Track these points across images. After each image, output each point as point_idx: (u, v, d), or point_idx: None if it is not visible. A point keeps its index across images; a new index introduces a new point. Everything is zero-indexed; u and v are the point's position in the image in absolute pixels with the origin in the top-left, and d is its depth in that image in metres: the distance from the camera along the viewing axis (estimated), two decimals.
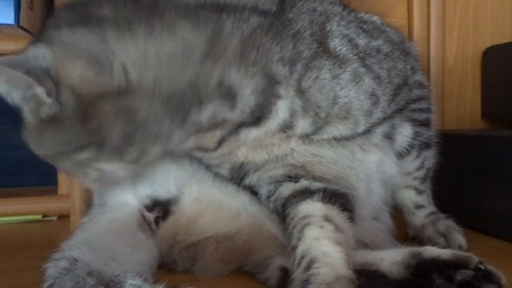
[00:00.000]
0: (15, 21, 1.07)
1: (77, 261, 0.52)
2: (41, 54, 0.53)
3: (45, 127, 0.56)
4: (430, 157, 0.85)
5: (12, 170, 1.44)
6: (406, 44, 0.80)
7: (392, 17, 1.23)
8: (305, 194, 0.67)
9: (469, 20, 1.32)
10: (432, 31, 1.28)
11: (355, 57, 0.66)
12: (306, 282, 0.54)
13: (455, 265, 0.60)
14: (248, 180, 0.72)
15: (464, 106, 1.32)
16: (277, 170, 0.70)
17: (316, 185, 0.68)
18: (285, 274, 0.63)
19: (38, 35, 0.59)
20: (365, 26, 0.72)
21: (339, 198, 0.66)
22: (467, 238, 0.82)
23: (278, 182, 0.70)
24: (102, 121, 0.55)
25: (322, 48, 0.65)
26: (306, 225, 0.61)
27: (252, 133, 0.65)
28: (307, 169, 0.69)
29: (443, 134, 0.88)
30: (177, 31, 0.57)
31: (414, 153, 0.82)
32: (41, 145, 0.57)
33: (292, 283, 0.55)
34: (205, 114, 0.61)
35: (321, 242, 0.58)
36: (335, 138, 0.69)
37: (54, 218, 1.21)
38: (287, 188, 0.69)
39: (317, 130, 0.67)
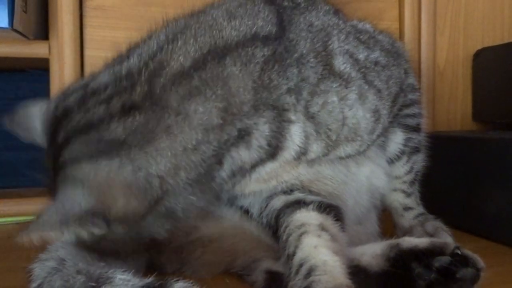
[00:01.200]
0: (9, 24, 1.07)
1: (64, 260, 0.53)
2: (82, 199, 0.53)
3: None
4: (419, 161, 0.86)
5: (8, 171, 1.44)
6: (396, 45, 0.80)
7: (383, 20, 1.24)
8: (299, 204, 0.67)
9: (460, 22, 1.32)
10: (423, 34, 1.29)
11: (358, 74, 0.66)
12: (309, 286, 0.54)
13: (432, 252, 0.61)
14: (241, 202, 0.72)
15: (455, 108, 1.33)
16: (274, 189, 0.70)
17: (311, 197, 0.69)
18: (272, 277, 0.64)
19: (57, 165, 0.57)
20: (361, 37, 0.72)
21: (332, 210, 0.67)
22: (456, 238, 0.83)
23: (269, 197, 0.70)
24: (150, 229, 0.57)
25: (328, 70, 0.64)
26: (303, 233, 0.61)
27: (267, 168, 0.65)
28: (304, 185, 0.70)
29: (434, 136, 0.89)
30: (191, 116, 0.56)
31: (404, 158, 0.83)
32: None
33: None
34: (225, 169, 0.61)
35: (320, 250, 0.58)
36: (339, 157, 0.69)
37: None
38: (279, 201, 0.69)
39: (328, 152, 0.67)
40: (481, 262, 0.60)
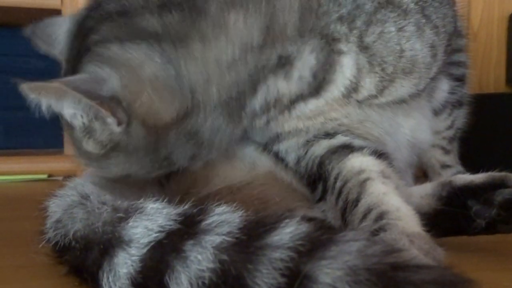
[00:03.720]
0: None
1: (86, 194, 0.48)
2: (108, 78, 0.49)
3: (109, 153, 0.53)
4: (461, 116, 0.81)
5: (18, 132, 1.41)
6: None
7: None
8: (347, 149, 0.61)
9: None
10: None
11: (416, 6, 0.61)
12: (379, 230, 0.49)
13: (491, 186, 0.56)
14: (277, 148, 0.67)
15: (488, 71, 1.27)
16: (315, 130, 0.65)
17: (359, 142, 0.63)
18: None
19: (82, 48, 0.53)
20: None
21: (386, 157, 0.62)
22: None
23: (308, 143, 0.66)
24: (172, 148, 0.53)
25: None
26: (367, 179, 0.56)
27: (309, 105, 0.60)
28: (350, 129, 0.64)
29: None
30: (230, 28, 0.52)
31: (447, 111, 0.78)
32: (104, 169, 0.55)
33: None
34: (258, 99, 0.57)
35: (390, 197, 0.53)
36: (392, 102, 0.64)
37: (60, 178, 1.19)
38: (321, 146, 0.63)
39: (381, 90, 0.62)
40: None
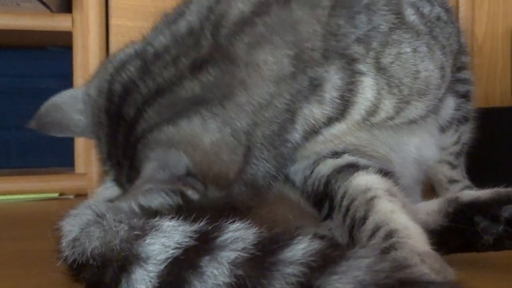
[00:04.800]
0: None
1: (105, 215, 0.49)
2: (178, 159, 0.50)
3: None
4: (467, 132, 0.82)
5: (29, 151, 1.43)
6: (447, 2, 0.77)
7: None
8: (352, 168, 0.62)
9: None
10: (461, 6, 1.24)
11: (425, 28, 0.63)
12: (390, 248, 0.49)
13: (498, 202, 0.56)
14: (288, 169, 0.67)
15: (493, 85, 1.28)
16: (326, 152, 0.65)
17: (364, 161, 0.64)
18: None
19: (132, 137, 0.54)
20: None
21: (391, 176, 0.62)
22: None
23: (314, 162, 0.66)
24: (233, 197, 0.55)
25: (400, 19, 0.60)
26: (373, 197, 0.56)
27: (333, 129, 0.61)
28: (358, 149, 0.65)
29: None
30: (261, 66, 0.53)
31: (453, 127, 0.79)
32: None
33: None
34: (298, 129, 0.58)
35: (398, 215, 0.53)
36: (404, 123, 0.65)
37: (71, 196, 1.20)
38: (326, 166, 0.64)
39: (398, 112, 0.63)
40: None
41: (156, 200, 0.52)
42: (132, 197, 0.52)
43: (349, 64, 0.58)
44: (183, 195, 0.52)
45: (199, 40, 0.54)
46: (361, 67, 0.58)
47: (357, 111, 0.60)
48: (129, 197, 0.52)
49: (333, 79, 0.57)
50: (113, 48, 1.14)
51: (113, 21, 1.13)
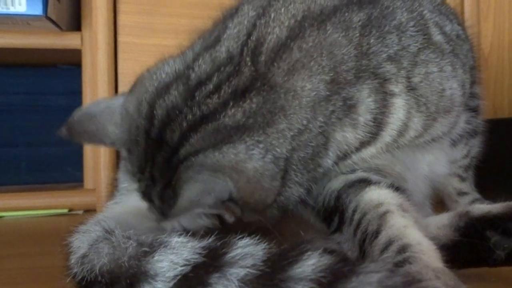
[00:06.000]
0: (43, 12, 1.07)
1: (113, 231, 0.49)
2: (223, 183, 0.51)
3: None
4: (476, 145, 0.82)
5: (39, 167, 1.44)
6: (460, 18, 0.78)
7: None
8: (364, 183, 0.62)
9: (505, 7, 1.27)
10: (467, 19, 1.24)
11: (448, 46, 0.63)
12: (404, 262, 0.49)
13: (509, 216, 0.56)
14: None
15: (501, 95, 1.27)
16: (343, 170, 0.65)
17: (376, 177, 0.64)
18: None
19: (174, 160, 0.54)
20: (441, 8, 0.69)
21: (403, 191, 0.62)
22: None
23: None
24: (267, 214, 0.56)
25: (427, 40, 0.61)
26: (386, 212, 0.56)
27: (363, 154, 0.61)
28: (376, 168, 0.65)
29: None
30: (298, 92, 0.54)
31: (464, 140, 0.78)
32: None
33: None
34: (330, 154, 0.58)
35: (411, 231, 0.53)
36: (427, 140, 0.66)
37: (80, 212, 1.20)
38: (338, 181, 0.64)
39: (425, 130, 0.63)
40: None
41: (197, 222, 0.53)
42: (175, 219, 0.53)
43: (381, 85, 0.58)
44: (220, 218, 0.52)
45: (239, 68, 0.54)
46: (393, 87, 0.59)
47: (389, 132, 0.60)
48: (172, 218, 0.52)
49: (366, 102, 0.57)
50: (121, 65, 1.15)
51: (121, 39, 1.14)
